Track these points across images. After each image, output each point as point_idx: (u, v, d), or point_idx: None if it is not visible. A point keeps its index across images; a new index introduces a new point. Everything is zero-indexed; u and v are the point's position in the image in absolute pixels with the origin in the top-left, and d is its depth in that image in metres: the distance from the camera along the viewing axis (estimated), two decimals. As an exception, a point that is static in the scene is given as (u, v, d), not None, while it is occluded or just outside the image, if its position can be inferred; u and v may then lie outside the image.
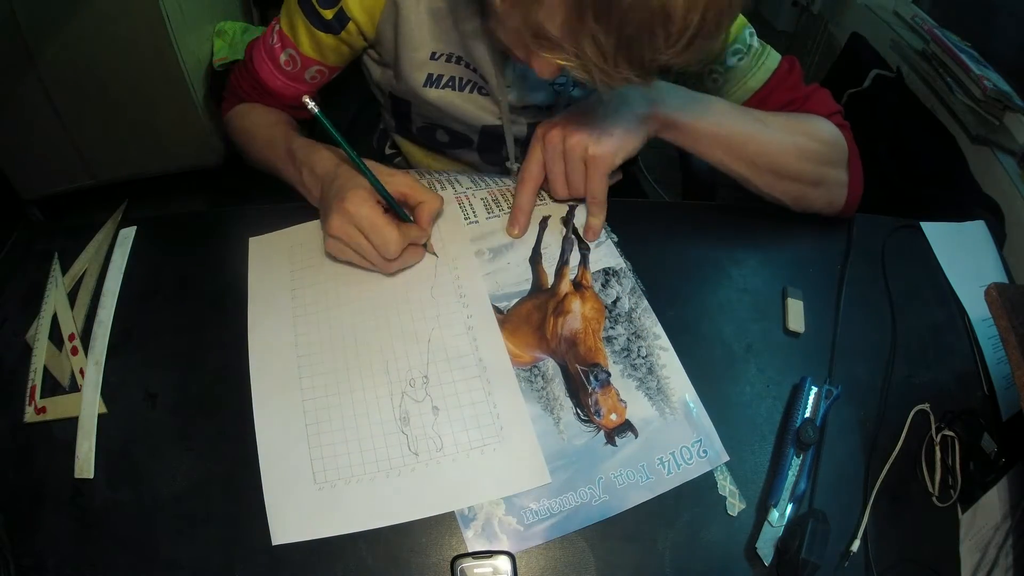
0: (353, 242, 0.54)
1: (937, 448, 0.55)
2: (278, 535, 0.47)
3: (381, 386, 0.54)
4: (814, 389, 0.55)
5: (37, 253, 0.65)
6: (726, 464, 0.52)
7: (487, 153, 0.79)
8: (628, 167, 0.71)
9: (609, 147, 0.57)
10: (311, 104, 0.52)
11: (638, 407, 0.54)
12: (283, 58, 0.67)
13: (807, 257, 0.67)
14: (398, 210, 0.56)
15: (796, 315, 0.61)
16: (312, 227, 0.64)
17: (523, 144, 0.74)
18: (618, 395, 0.54)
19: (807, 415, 0.54)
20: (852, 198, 0.66)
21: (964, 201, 0.87)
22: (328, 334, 0.57)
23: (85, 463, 0.51)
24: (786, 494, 0.51)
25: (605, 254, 0.63)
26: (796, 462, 0.52)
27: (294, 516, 0.48)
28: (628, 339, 0.58)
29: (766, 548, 0.49)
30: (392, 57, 0.69)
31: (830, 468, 0.53)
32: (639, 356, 0.57)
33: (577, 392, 0.55)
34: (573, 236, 0.64)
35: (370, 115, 0.92)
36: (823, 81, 1.37)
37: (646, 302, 0.60)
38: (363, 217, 0.52)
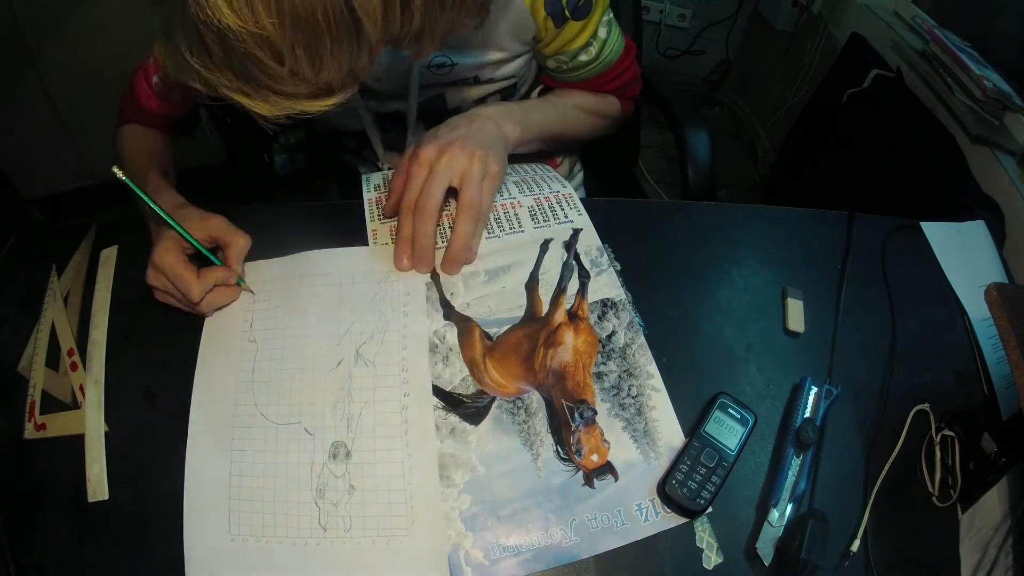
0: (165, 289, 0.57)
1: (937, 448, 0.55)
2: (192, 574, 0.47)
3: (304, 452, 0.51)
4: (814, 389, 0.55)
5: (36, 255, 0.65)
6: (707, 515, 0.50)
7: (392, 140, 0.77)
8: (628, 168, 0.72)
9: (499, 166, 0.61)
10: (119, 173, 0.51)
11: (622, 449, 0.52)
12: (155, 80, 0.71)
13: (807, 257, 0.67)
14: (206, 253, 0.58)
15: (796, 315, 0.61)
16: (270, 264, 0.62)
17: (425, 118, 0.73)
18: (602, 435, 0.52)
19: (807, 415, 0.54)
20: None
21: (964, 201, 0.87)
22: (274, 386, 0.55)
23: (98, 485, 0.50)
24: (786, 494, 0.51)
25: (605, 283, 0.61)
26: (796, 462, 0.52)
27: (207, 561, 0.47)
28: (619, 376, 0.56)
29: (766, 548, 0.49)
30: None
31: (830, 468, 0.53)
32: (629, 396, 0.55)
33: (560, 429, 0.52)
34: (574, 263, 0.62)
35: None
36: (823, 81, 1.38)
37: (643, 338, 0.58)
38: (166, 266, 0.55)
